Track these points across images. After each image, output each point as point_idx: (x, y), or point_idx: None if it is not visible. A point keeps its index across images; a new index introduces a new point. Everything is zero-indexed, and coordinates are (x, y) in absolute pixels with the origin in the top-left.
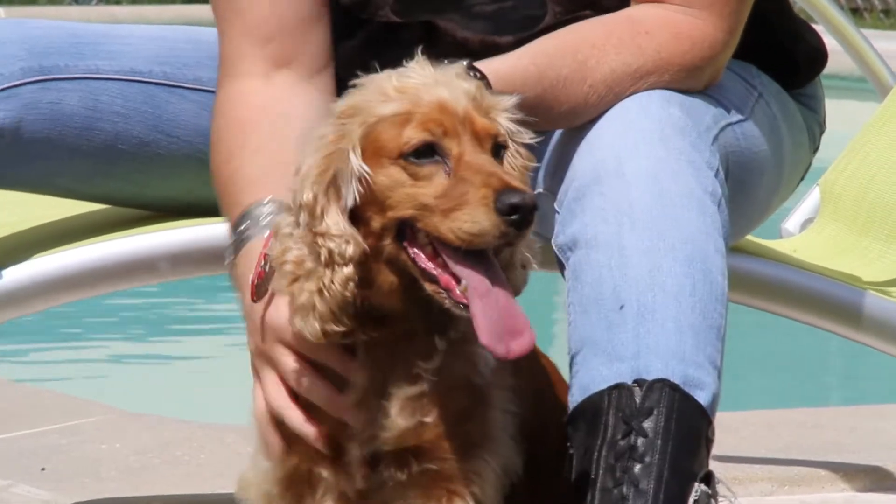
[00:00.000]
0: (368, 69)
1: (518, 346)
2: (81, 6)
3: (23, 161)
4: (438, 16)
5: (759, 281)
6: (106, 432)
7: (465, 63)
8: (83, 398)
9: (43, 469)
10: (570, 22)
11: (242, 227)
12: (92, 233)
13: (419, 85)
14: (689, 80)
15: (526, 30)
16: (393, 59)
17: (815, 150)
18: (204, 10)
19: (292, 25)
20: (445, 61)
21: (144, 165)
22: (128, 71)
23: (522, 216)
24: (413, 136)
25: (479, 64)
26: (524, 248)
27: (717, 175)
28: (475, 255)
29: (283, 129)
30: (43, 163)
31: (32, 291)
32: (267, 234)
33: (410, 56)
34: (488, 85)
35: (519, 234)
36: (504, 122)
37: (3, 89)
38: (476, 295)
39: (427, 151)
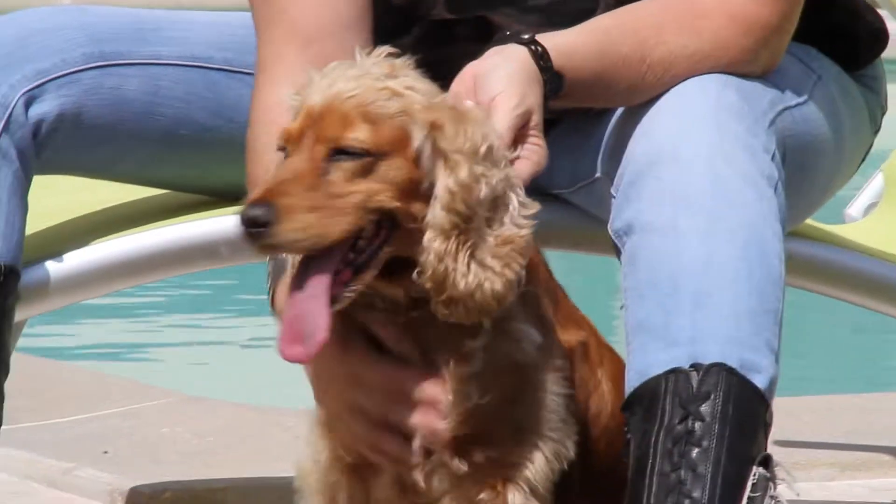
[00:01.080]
0: (423, 66)
1: (291, 353)
2: None
3: (84, 147)
4: (492, 11)
5: (821, 265)
6: (166, 416)
7: (525, 37)
8: (143, 382)
9: (105, 452)
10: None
11: (271, 268)
12: (152, 218)
13: (313, 86)
14: (747, 65)
15: (579, 21)
16: (447, 54)
17: (877, 131)
18: None
19: (333, 28)
20: (507, 32)
21: (205, 151)
22: (188, 56)
23: (245, 229)
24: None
25: (540, 37)
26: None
27: (773, 159)
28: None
29: None
30: (104, 148)
31: (92, 276)
32: None
33: (464, 51)
34: (548, 58)
35: (255, 243)
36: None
37: (65, 75)
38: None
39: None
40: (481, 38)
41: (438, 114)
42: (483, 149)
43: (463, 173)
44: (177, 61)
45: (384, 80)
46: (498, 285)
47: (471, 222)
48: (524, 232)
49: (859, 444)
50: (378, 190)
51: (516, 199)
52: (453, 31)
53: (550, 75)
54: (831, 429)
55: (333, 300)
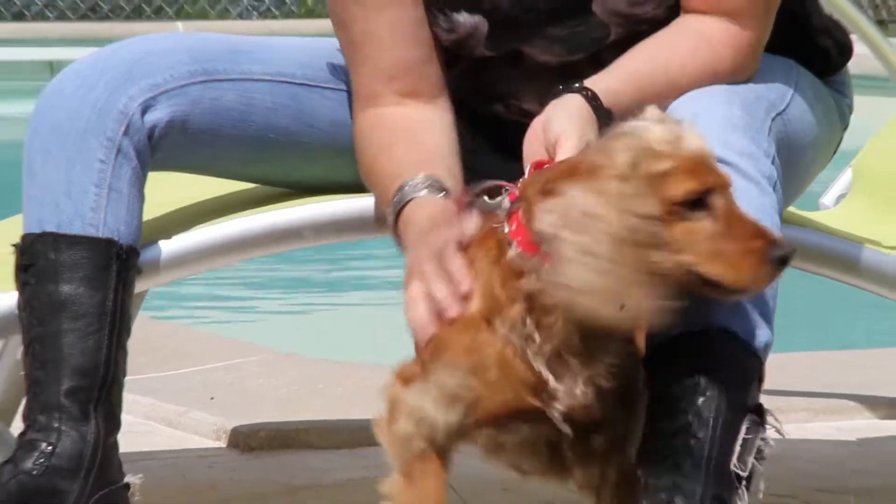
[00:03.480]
0: (468, 91)
1: None
2: (244, 20)
3: (190, 148)
4: (523, 45)
5: (802, 246)
6: (262, 369)
7: (577, 85)
8: (243, 341)
9: (212, 398)
10: (630, 38)
11: (398, 198)
12: (246, 207)
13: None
14: (743, 75)
15: (594, 47)
16: (486, 81)
17: (845, 127)
18: None
19: (411, 65)
20: (560, 87)
21: (289, 152)
22: (275, 73)
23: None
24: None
25: (588, 83)
26: None
27: (773, 162)
28: None
29: (419, 138)
30: (206, 149)
31: (197, 255)
32: (423, 194)
33: (500, 76)
34: (599, 101)
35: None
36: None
37: (174, 88)
38: None
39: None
40: (514, 65)
41: None
42: None
43: None
44: (265, 77)
45: None
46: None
47: None
48: None
49: (831, 393)
50: None
51: None
52: (489, 63)
53: (601, 113)
54: (810, 381)
55: None
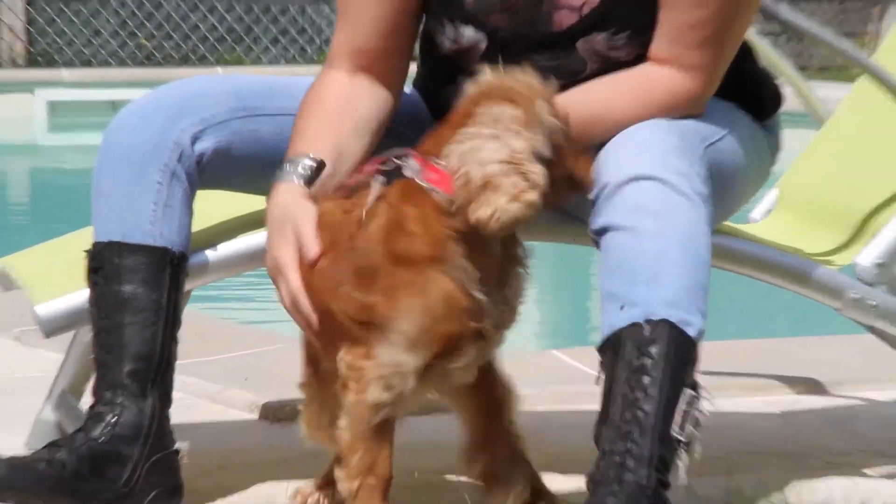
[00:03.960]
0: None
1: None
2: (273, 66)
3: (233, 171)
4: (512, 67)
5: (734, 253)
6: (286, 355)
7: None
8: (268, 331)
9: (245, 379)
10: (603, 72)
11: (278, 172)
12: None
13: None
14: (683, 116)
15: (570, 78)
16: None
17: (774, 163)
18: None
19: (377, 48)
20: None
21: None
22: None
23: None
24: None
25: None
26: None
27: (704, 182)
28: None
29: (347, 114)
30: (245, 173)
31: (238, 260)
32: (295, 181)
33: None
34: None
35: None
36: None
37: (219, 122)
38: None
39: None
40: None
41: None
42: None
43: None
44: (294, 112)
45: None
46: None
47: None
48: None
49: (757, 373)
50: None
51: None
52: None
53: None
54: (740, 364)
55: None
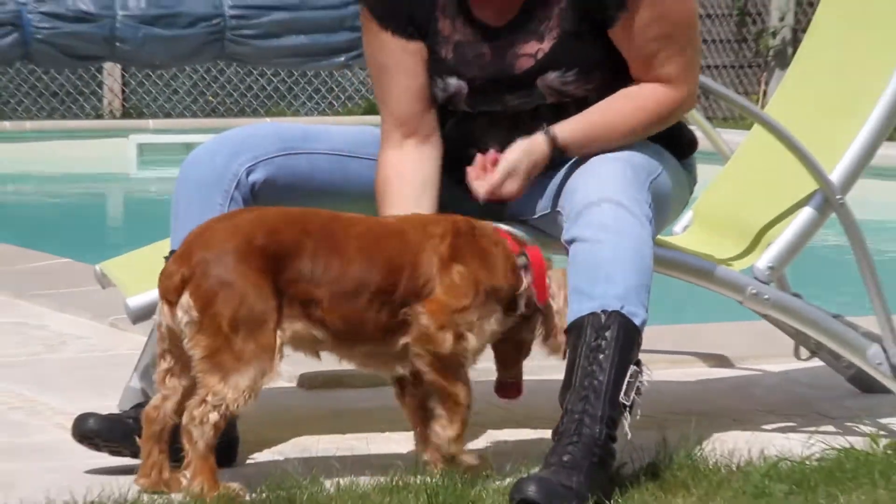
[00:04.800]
0: (455, 140)
1: None
2: (310, 116)
3: (277, 197)
4: (489, 105)
5: (663, 258)
6: None
7: (545, 126)
8: None
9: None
10: (557, 107)
11: None
12: None
13: None
14: (667, 122)
15: (538, 113)
16: (469, 129)
17: (692, 192)
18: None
19: (415, 112)
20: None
21: (340, 199)
22: (333, 149)
23: None
24: None
25: (555, 126)
26: None
27: (650, 206)
28: None
29: (405, 180)
30: (287, 200)
31: None
32: None
33: (475, 127)
34: (556, 140)
35: None
36: None
37: (267, 159)
38: None
39: None
40: (490, 117)
41: None
42: None
43: None
44: (326, 151)
45: None
46: None
47: None
48: None
49: (680, 351)
50: None
51: None
52: (472, 115)
53: (554, 149)
54: (669, 344)
55: None
